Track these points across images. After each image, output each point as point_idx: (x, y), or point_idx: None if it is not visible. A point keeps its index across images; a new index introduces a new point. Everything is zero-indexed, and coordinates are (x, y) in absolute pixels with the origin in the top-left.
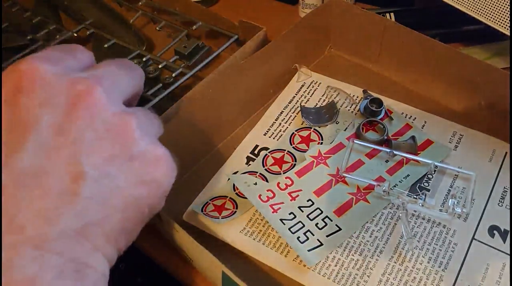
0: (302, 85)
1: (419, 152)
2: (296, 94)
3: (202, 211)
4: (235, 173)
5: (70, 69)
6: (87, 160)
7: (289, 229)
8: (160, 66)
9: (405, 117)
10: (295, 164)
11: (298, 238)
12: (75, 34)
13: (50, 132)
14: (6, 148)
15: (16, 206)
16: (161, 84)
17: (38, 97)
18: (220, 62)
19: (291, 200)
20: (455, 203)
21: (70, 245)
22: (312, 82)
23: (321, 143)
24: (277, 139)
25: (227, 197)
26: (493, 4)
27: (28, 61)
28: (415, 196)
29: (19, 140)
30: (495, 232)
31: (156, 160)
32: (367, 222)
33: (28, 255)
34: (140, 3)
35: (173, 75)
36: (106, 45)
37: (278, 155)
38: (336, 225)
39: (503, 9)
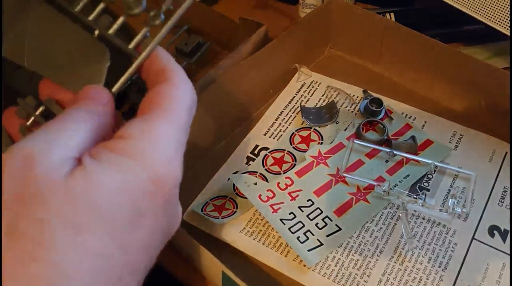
0: (302, 85)
1: (419, 152)
2: (296, 94)
3: (202, 211)
4: (235, 173)
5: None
6: None
7: (289, 229)
8: None
9: (405, 117)
10: (295, 164)
11: (298, 238)
12: None
13: None
14: None
15: None
16: None
17: None
18: (220, 59)
19: (291, 200)
20: (455, 203)
21: None
22: (312, 82)
23: (321, 143)
24: (277, 139)
25: (227, 197)
26: (493, 4)
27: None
28: (415, 196)
29: None
30: (495, 232)
31: None
32: (367, 222)
33: None
34: None
35: None
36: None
37: (278, 155)
38: (336, 225)
39: (503, 9)
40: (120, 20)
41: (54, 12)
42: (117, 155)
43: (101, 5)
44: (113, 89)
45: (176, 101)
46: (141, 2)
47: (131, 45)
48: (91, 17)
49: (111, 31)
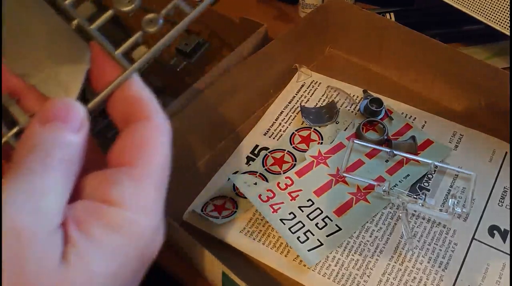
0: (302, 85)
1: (419, 152)
2: (296, 94)
3: (202, 211)
4: (235, 173)
5: None
6: None
7: (289, 229)
8: None
9: (405, 117)
10: (295, 164)
11: (298, 238)
12: None
13: None
14: None
15: None
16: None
17: None
18: (220, 59)
19: (291, 200)
20: (455, 203)
21: None
22: (312, 82)
23: (321, 143)
24: (277, 139)
25: (227, 197)
26: (493, 4)
27: None
28: (415, 196)
29: None
30: (495, 232)
31: None
32: (367, 222)
33: None
34: None
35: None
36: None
37: (278, 155)
38: (336, 225)
39: (503, 9)
40: (108, 13)
41: None
42: (108, 231)
43: None
44: (89, 106)
45: (160, 149)
46: None
47: (119, 51)
48: (68, 1)
49: (94, 25)
